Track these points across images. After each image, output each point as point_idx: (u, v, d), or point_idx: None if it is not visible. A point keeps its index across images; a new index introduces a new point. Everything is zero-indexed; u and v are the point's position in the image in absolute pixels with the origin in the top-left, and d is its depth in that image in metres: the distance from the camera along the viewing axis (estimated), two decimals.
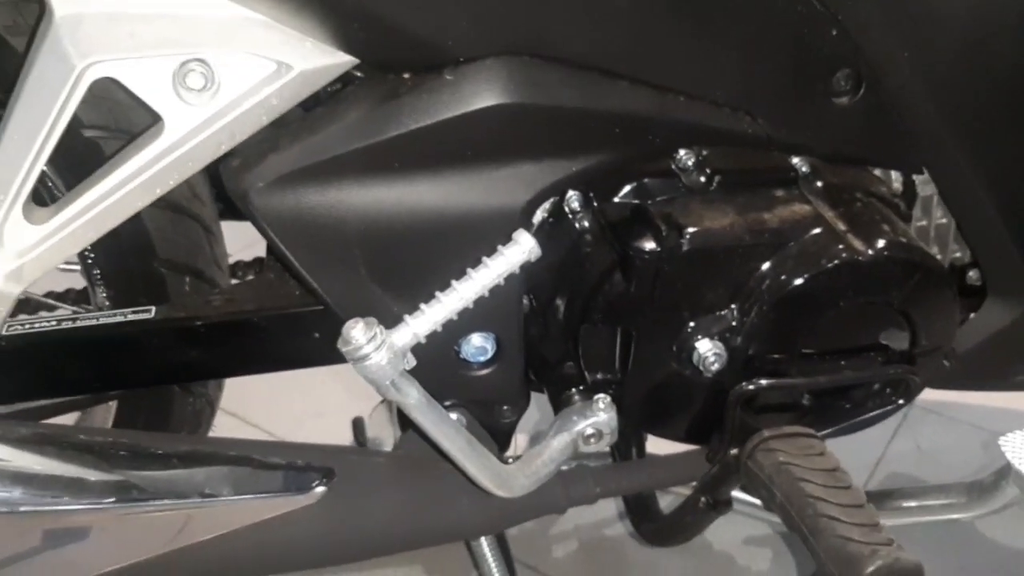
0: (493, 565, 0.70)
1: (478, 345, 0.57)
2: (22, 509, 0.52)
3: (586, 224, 0.57)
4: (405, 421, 0.62)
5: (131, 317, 0.55)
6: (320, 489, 0.56)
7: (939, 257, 0.64)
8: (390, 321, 0.49)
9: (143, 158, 0.47)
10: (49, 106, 0.45)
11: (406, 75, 0.49)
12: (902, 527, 0.74)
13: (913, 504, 0.71)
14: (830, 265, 0.55)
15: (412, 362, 0.48)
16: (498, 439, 0.63)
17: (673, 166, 0.57)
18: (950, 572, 0.84)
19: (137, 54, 0.45)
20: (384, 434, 0.68)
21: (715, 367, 0.57)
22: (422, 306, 0.48)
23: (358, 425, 0.74)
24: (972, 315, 0.67)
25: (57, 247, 0.47)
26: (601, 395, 0.59)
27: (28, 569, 0.55)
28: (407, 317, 0.48)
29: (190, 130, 0.46)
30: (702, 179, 0.57)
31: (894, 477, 0.99)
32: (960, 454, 0.97)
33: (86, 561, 0.56)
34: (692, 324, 0.57)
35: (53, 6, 0.44)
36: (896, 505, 0.72)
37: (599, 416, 0.59)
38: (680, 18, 0.50)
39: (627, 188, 0.57)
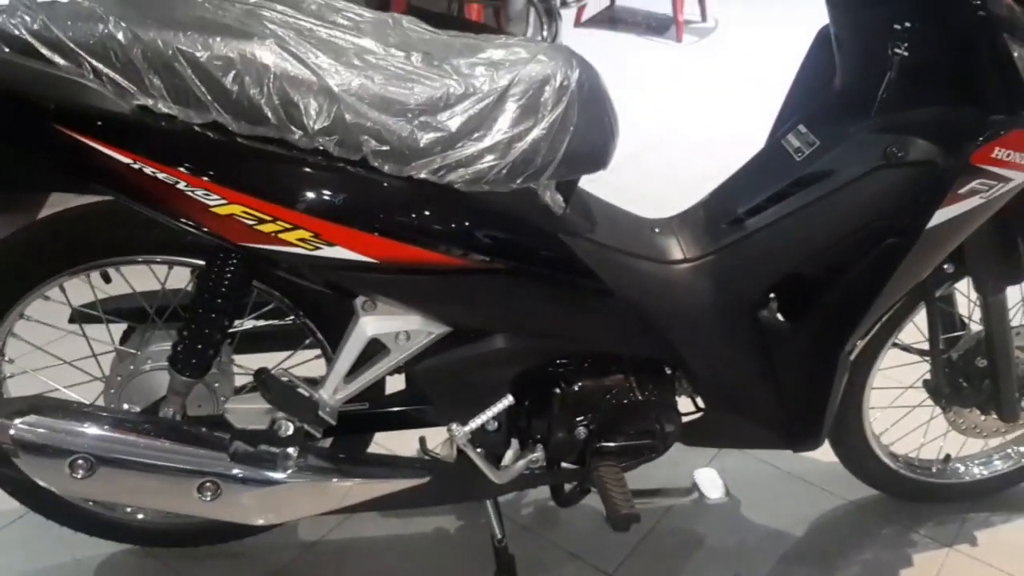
0: (491, 510, 1.58)
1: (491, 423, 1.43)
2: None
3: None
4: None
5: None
6: (425, 479, 1.41)
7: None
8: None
9: (376, 370, 1.33)
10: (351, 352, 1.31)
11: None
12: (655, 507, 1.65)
13: (658, 495, 1.58)
14: (628, 407, 1.40)
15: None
16: (498, 458, 1.47)
17: None
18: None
19: (393, 333, 1.31)
20: (446, 454, 1.53)
21: (583, 439, 1.43)
22: (477, 417, 1.35)
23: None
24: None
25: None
26: (540, 447, 1.43)
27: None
28: (471, 421, 1.34)
29: (404, 355, 1.32)
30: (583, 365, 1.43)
31: None
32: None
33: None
34: (579, 421, 1.42)
35: (361, 315, 1.30)
36: (654, 495, 1.58)
37: (539, 453, 1.45)
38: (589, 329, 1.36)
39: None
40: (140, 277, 1.41)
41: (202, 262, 1.29)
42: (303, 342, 1.46)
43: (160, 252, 1.30)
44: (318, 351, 1.45)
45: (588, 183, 1.33)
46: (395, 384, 1.46)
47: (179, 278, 1.41)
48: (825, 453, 1.71)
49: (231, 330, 1.32)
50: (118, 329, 1.44)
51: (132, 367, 1.38)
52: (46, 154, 1.11)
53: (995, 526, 1.79)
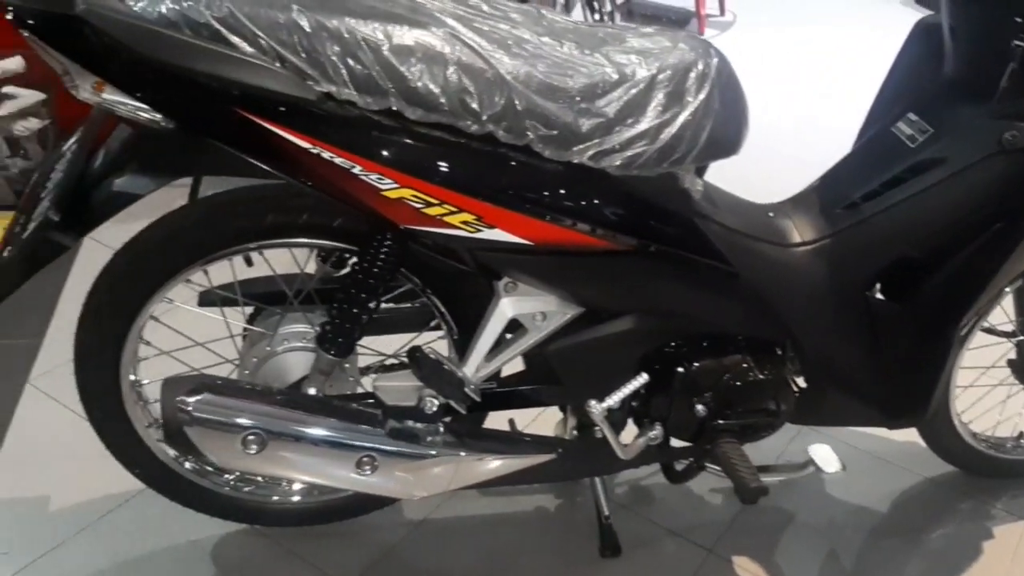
0: (600, 487, 1.63)
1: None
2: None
3: None
4: (581, 425, 1.54)
5: None
6: (553, 455, 1.47)
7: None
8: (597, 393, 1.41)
9: (514, 349, 1.38)
10: (493, 332, 1.36)
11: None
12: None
13: (774, 470, 1.64)
14: (746, 385, 1.47)
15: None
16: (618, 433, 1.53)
17: None
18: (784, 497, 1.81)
19: (531, 313, 1.36)
20: (559, 432, 1.59)
21: (703, 417, 1.48)
22: (613, 394, 1.40)
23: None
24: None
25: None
26: (658, 424, 1.51)
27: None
28: (607, 398, 1.39)
29: (541, 335, 1.37)
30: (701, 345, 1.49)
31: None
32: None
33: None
34: (699, 399, 1.48)
35: (502, 296, 1.34)
36: (772, 470, 1.64)
37: (657, 431, 1.51)
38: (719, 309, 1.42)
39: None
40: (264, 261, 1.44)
41: (353, 247, 1.33)
42: (427, 325, 1.50)
43: (309, 236, 1.33)
44: (441, 333, 1.50)
45: None
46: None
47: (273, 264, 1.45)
48: (896, 432, 1.78)
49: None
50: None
51: (269, 348, 1.42)
52: (227, 139, 1.14)
53: None
